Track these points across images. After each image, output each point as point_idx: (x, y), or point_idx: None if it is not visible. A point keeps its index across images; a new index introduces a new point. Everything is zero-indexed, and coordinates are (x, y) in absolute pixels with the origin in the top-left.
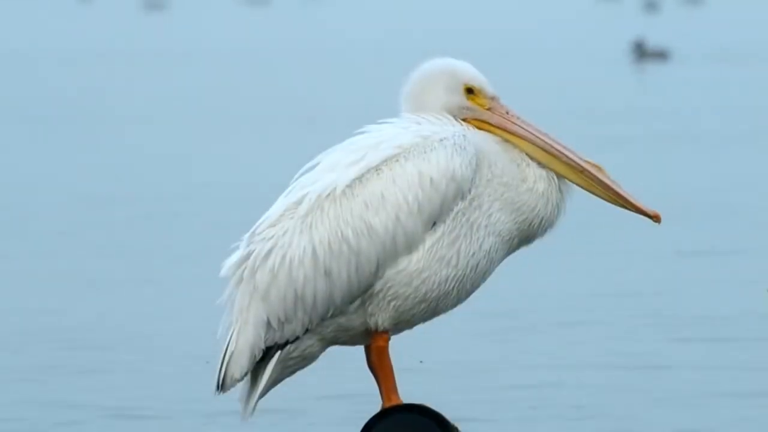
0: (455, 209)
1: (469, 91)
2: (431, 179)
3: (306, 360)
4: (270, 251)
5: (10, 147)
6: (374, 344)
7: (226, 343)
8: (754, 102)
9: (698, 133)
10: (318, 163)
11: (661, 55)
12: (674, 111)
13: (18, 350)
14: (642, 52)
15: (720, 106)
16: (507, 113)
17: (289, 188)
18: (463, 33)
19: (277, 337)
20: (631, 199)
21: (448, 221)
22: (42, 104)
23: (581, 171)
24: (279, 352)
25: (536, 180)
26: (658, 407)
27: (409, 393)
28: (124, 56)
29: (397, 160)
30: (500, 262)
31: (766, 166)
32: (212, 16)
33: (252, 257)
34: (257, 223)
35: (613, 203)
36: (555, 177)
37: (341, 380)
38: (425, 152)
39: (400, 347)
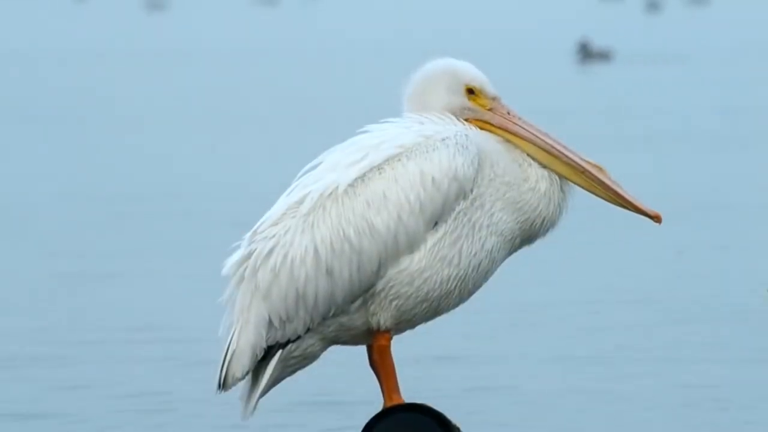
0: (457, 209)
1: (471, 91)
2: (433, 179)
3: (307, 359)
4: (272, 250)
5: (10, 147)
6: (376, 343)
7: (228, 342)
8: (742, 103)
9: (641, 134)
10: (320, 163)
11: (604, 56)
12: (618, 110)
13: (18, 349)
14: (587, 53)
15: (682, 106)
16: (508, 114)
17: (291, 187)
18: (463, 33)
19: (279, 337)
20: (632, 200)
21: (449, 221)
22: (42, 104)
23: (582, 171)
24: (280, 351)
25: (538, 180)
26: (658, 404)
27: (410, 390)
28: (125, 56)
29: (399, 160)
30: (502, 261)
31: (749, 166)
32: (214, 16)
33: (253, 256)
34: (259, 222)
35: (613, 203)
36: (557, 177)
37: (341, 380)
38: (427, 152)
39: (399, 345)
